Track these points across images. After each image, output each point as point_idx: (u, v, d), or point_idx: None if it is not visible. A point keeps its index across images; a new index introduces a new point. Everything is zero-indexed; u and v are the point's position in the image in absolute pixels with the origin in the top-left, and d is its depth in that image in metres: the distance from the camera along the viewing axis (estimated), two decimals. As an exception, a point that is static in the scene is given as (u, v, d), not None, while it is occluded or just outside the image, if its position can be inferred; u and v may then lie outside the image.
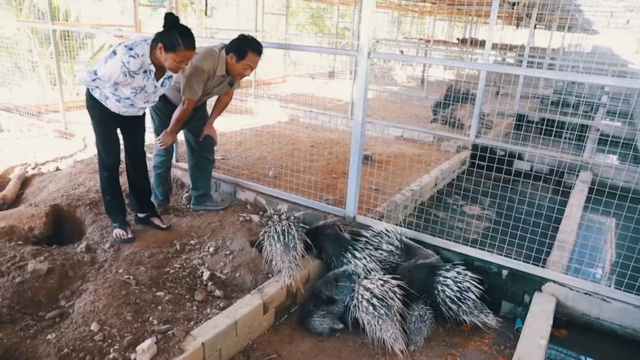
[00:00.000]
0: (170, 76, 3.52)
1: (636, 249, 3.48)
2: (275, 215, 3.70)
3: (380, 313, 3.16)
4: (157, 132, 4.03)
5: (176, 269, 3.50)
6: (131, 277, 3.28)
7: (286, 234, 3.50)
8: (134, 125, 3.72)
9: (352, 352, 3.19)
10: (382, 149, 7.12)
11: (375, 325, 3.15)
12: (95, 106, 3.48)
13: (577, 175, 6.64)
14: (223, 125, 7.69)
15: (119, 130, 3.71)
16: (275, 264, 3.47)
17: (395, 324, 3.20)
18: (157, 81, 3.41)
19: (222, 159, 5.93)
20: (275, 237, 3.50)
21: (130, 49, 3.16)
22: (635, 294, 3.29)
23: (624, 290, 3.31)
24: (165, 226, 4.04)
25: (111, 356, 2.59)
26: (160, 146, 3.98)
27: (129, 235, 3.77)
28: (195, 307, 3.12)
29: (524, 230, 3.70)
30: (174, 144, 4.32)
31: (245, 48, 3.73)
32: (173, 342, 2.71)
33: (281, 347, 3.17)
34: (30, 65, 10.12)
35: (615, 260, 3.30)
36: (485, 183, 4.09)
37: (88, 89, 3.48)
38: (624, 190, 3.75)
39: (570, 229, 4.64)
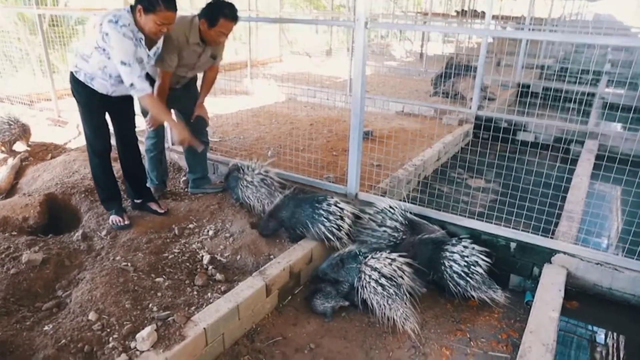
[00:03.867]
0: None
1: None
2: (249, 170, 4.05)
3: (389, 292, 3.07)
4: (145, 113, 3.89)
5: (175, 254, 3.41)
6: (129, 264, 3.18)
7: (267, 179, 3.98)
8: (123, 109, 3.57)
9: (358, 331, 3.11)
10: (382, 124, 6.97)
11: (384, 305, 3.06)
12: (80, 90, 3.34)
13: (584, 144, 6.50)
14: (219, 107, 7.57)
15: (108, 117, 3.57)
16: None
17: (406, 303, 3.11)
18: (150, 50, 3.28)
19: (220, 140, 5.81)
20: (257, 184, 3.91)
21: (116, 22, 3.00)
22: (647, 262, 3.19)
23: (636, 259, 3.21)
24: (162, 211, 3.94)
25: (110, 345, 2.51)
26: (149, 127, 3.83)
27: (126, 222, 3.67)
28: (195, 292, 3.03)
29: (531, 201, 3.59)
30: (165, 126, 4.18)
31: (217, 14, 3.44)
32: (174, 329, 2.63)
33: (286, 329, 3.10)
34: (21, 54, 9.91)
35: (625, 229, 3.19)
36: (489, 155, 3.95)
37: (72, 73, 3.32)
38: (632, 158, 3.62)
39: (579, 198, 4.52)
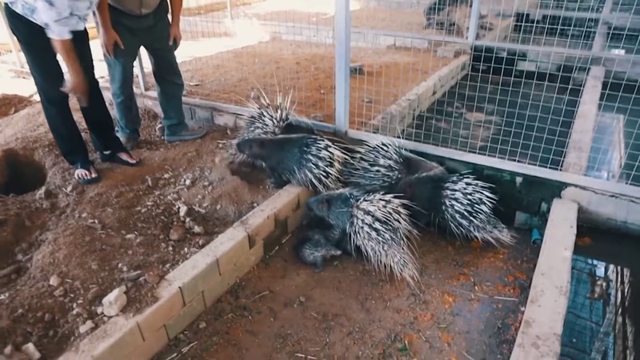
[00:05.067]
0: None
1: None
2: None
3: (385, 237, 2.78)
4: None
5: (148, 207, 3.09)
6: (96, 221, 2.87)
7: None
8: (76, 46, 3.12)
9: (352, 281, 2.85)
10: (373, 59, 6.50)
11: (380, 252, 2.79)
12: (20, 25, 2.87)
13: (588, 71, 6.08)
14: (197, 50, 7.05)
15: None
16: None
17: (403, 248, 2.84)
18: None
19: (198, 84, 5.37)
20: None
21: None
22: (667, 191, 2.90)
23: (654, 189, 2.92)
24: (134, 161, 3.59)
25: (74, 312, 2.24)
26: (107, 53, 3.38)
27: (93, 175, 3.33)
28: (171, 248, 2.74)
29: (535, 134, 3.24)
30: (133, 68, 3.74)
31: None
32: (145, 290, 2.35)
33: (273, 283, 2.84)
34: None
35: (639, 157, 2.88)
36: (488, 87, 3.57)
37: (7, 5, 2.84)
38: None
39: (587, 127, 4.18)
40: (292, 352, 2.36)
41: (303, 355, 2.34)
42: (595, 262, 3.04)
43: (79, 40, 3.09)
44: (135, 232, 2.84)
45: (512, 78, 3.60)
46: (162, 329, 2.35)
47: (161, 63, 3.79)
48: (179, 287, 2.39)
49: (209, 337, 2.46)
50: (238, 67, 6.24)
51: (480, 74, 3.78)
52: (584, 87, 5.53)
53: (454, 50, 6.76)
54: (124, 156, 3.59)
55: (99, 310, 2.24)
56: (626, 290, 2.81)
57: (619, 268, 3.00)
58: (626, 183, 2.97)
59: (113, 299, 2.22)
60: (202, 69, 6.16)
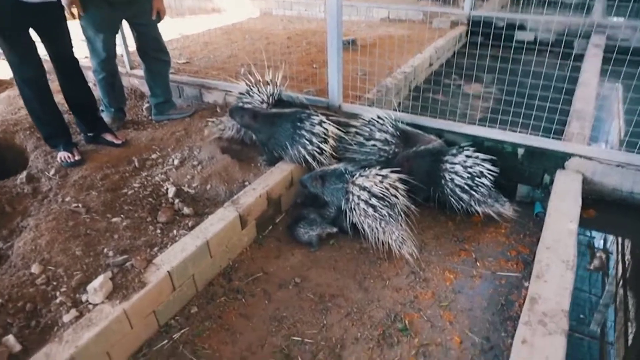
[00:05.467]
0: None
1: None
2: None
3: (382, 214, 2.67)
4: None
5: (135, 189, 2.96)
6: (80, 205, 2.74)
7: None
8: (50, 20, 2.94)
9: (349, 260, 2.74)
10: (367, 33, 6.31)
11: (377, 229, 2.68)
12: None
13: (589, 39, 5.91)
14: (185, 27, 6.85)
15: (34, 35, 2.94)
16: None
17: (401, 225, 2.73)
18: None
19: (187, 62, 5.18)
20: None
21: None
22: (676, 159, 2.78)
23: (662, 157, 2.80)
24: (120, 142, 3.44)
25: (57, 301, 2.12)
26: (70, 15, 3.11)
27: (76, 158, 3.18)
28: (159, 231, 2.62)
29: (535, 105, 3.10)
30: (115, 45, 3.56)
31: None
32: (132, 275, 2.24)
33: (267, 264, 2.73)
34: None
35: None
36: (486, 59, 3.42)
37: None
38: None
39: (588, 96, 4.05)
40: (288, 335, 2.27)
41: (299, 338, 2.25)
42: (601, 234, 2.94)
43: (54, 10, 2.92)
44: (122, 216, 2.71)
45: (509, 48, 3.44)
46: (152, 315, 2.24)
47: (144, 39, 3.61)
48: (168, 272, 2.27)
49: (201, 322, 2.36)
50: (227, 43, 6.05)
51: (478, 45, 3.62)
52: (585, 55, 5.38)
53: (450, 21, 6.57)
54: (108, 137, 3.44)
55: (84, 298, 2.12)
56: (633, 262, 2.71)
57: (626, 240, 2.90)
58: (634, 152, 2.85)
59: (98, 285, 2.11)
60: (190, 46, 5.98)
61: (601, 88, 4.39)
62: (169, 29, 6.81)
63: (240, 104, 3.36)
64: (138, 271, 2.26)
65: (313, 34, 6.39)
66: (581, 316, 2.38)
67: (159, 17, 3.57)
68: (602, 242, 2.92)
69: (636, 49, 3.23)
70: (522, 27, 6.58)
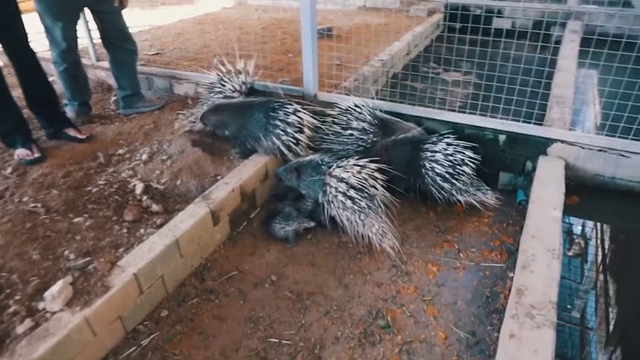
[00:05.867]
0: None
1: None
2: None
3: (361, 206, 2.55)
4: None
5: (100, 187, 2.78)
6: (39, 205, 2.56)
7: None
8: (2, 12, 2.73)
9: (328, 255, 2.63)
10: (343, 21, 6.18)
11: (356, 222, 2.56)
12: None
13: (565, 25, 5.88)
14: (156, 18, 6.62)
15: None
16: None
17: (381, 216, 2.62)
18: None
19: (157, 53, 4.97)
20: None
21: None
22: (658, 142, 2.73)
23: (644, 141, 2.75)
24: (84, 137, 3.25)
25: (11, 310, 1.95)
26: None
27: (36, 155, 2.99)
28: (125, 230, 2.46)
29: (516, 89, 3.00)
30: (77, 35, 3.35)
31: None
32: (95, 279, 2.08)
33: (242, 261, 2.59)
34: None
35: (623, 111, 2.69)
36: (464, 46, 3.32)
37: None
38: (617, 37, 3.04)
39: (567, 81, 3.99)
40: (265, 337, 2.14)
41: (276, 340, 2.12)
42: (584, 221, 2.88)
43: (6, 3, 2.72)
44: (85, 215, 2.54)
45: (487, 36, 3.34)
46: (117, 321, 2.09)
47: (108, 27, 3.41)
48: (134, 274, 2.12)
49: (172, 326, 2.22)
50: (200, 34, 5.85)
51: (456, 33, 3.52)
52: (562, 41, 5.34)
53: (427, 9, 6.48)
54: (71, 132, 3.25)
55: (41, 305, 1.96)
56: (618, 249, 2.65)
57: (609, 226, 2.84)
58: (615, 136, 2.79)
59: (56, 292, 1.95)
60: (161, 37, 5.76)
61: (580, 73, 4.34)
62: (139, 20, 6.58)
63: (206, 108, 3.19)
64: (101, 274, 2.11)
65: (289, 23, 6.23)
66: (568, 306, 2.30)
67: (122, 5, 3.37)
68: (585, 228, 2.86)
69: (615, 35, 3.17)
70: (499, 14, 6.53)
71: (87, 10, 3.39)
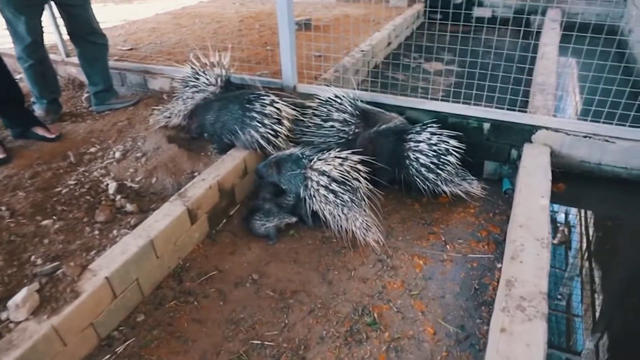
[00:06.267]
0: None
1: (630, 82, 2.87)
2: None
3: (343, 200, 2.47)
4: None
5: (71, 187, 2.65)
6: (4, 208, 2.42)
7: None
8: None
9: (311, 251, 2.54)
10: (322, 14, 6.07)
11: (339, 216, 2.48)
12: None
13: (545, 13, 5.87)
14: (131, 13, 6.43)
15: None
16: None
17: (365, 210, 2.54)
18: None
19: (131, 49, 4.81)
20: None
21: None
22: (643, 127, 2.70)
23: (630, 126, 2.71)
24: (53, 136, 3.11)
25: (-28, 321, 1.83)
26: None
27: (0, 155, 2.84)
28: (97, 232, 2.33)
29: (497, 79, 2.94)
30: (42, 30, 3.19)
31: None
32: (64, 285, 1.96)
33: (222, 261, 2.49)
34: None
35: (605, 97, 2.65)
36: (445, 36, 3.25)
37: None
38: (598, 25, 3.01)
39: (549, 69, 3.96)
40: (246, 339, 2.04)
41: (259, 342, 2.03)
42: (570, 208, 2.83)
43: None
44: (54, 217, 2.41)
45: (468, 25, 3.28)
46: (89, 328, 1.98)
47: (74, 20, 3.26)
48: (106, 277, 2.00)
49: (148, 331, 2.11)
50: (176, 28, 5.69)
51: (434, 23, 3.44)
52: (543, 30, 5.32)
53: (407, -1, 6.41)
54: (40, 131, 3.10)
55: (4, 315, 1.83)
56: (604, 236, 2.62)
57: (596, 213, 2.80)
58: (600, 122, 2.75)
59: (20, 300, 1.82)
60: (136, 32, 5.58)
61: (561, 60, 4.31)
62: (113, 15, 6.39)
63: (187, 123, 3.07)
64: (71, 279, 1.99)
65: (267, 16, 6.10)
66: (557, 296, 2.25)
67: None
68: (571, 216, 2.82)
69: (596, 24, 3.12)
70: (479, 4, 6.50)
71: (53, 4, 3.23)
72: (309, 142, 2.95)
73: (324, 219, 2.53)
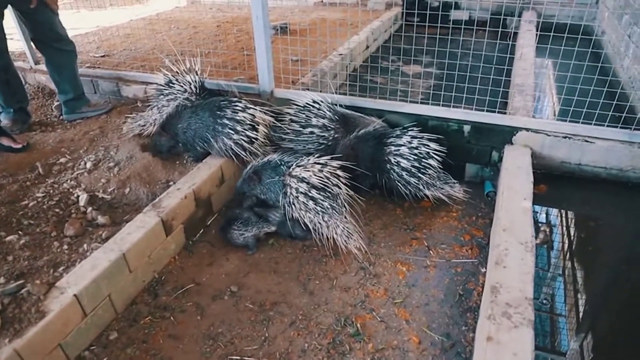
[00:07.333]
0: None
1: (606, 82, 2.88)
2: None
3: (324, 207, 2.40)
4: None
5: (38, 200, 2.53)
6: (-35, 223, 2.29)
7: None
8: None
9: (292, 260, 2.46)
10: (300, 18, 6.03)
11: (320, 223, 2.41)
12: None
13: (520, 15, 5.92)
14: (104, 19, 6.27)
15: None
16: None
17: (345, 216, 2.48)
18: None
19: (104, 56, 4.68)
20: None
21: None
22: (621, 127, 2.70)
23: (608, 126, 2.71)
24: (19, 146, 2.98)
25: None
26: None
27: (-37, 167, 2.71)
28: (66, 247, 2.22)
29: (476, 82, 2.92)
30: (5, 36, 3.06)
31: None
32: (28, 304, 1.85)
33: (199, 273, 2.40)
34: None
35: (584, 97, 2.65)
36: (423, 39, 3.22)
37: None
38: (572, 26, 3.02)
39: (527, 70, 3.97)
40: (225, 354, 1.96)
41: (238, 357, 1.94)
42: (552, 209, 2.81)
43: None
44: (19, 232, 2.29)
45: (445, 28, 3.25)
46: (57, 349, 1.87)
47: (36, 27, 3.13)
48: (75, 295, 1.90)
49: (122, 349, 2.01)
50: (151, 34, 5.56)
51: (412, 26, 3.41)
52: (519, 31, 5.36)
53: (385, 2, 6.40)
54: (5, 141, 2.97)
55: (-38, 340, 1.72)
56: (583, 235, 2.60)
57: (577, 213, 2.79)
58: (579, 122, 2.74)
59: (-19, 322, 1.71)
60: (109, 39, 5.44)
61: (538, 61, 4.33)
62: (86, 22, 6.23)
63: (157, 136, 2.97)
64: (36, 298, 1.88)
65: (244, 21, 6.02)
66: (542, 299, 2.22)
67: (45, 4, 3.04)
68: (552, 217, 2.80)
69: (571, 25, 3.13)
70: (457, 7, 6.53)
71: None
72: (289, 149, 2.88)
73: (304, 227, 2.46)
